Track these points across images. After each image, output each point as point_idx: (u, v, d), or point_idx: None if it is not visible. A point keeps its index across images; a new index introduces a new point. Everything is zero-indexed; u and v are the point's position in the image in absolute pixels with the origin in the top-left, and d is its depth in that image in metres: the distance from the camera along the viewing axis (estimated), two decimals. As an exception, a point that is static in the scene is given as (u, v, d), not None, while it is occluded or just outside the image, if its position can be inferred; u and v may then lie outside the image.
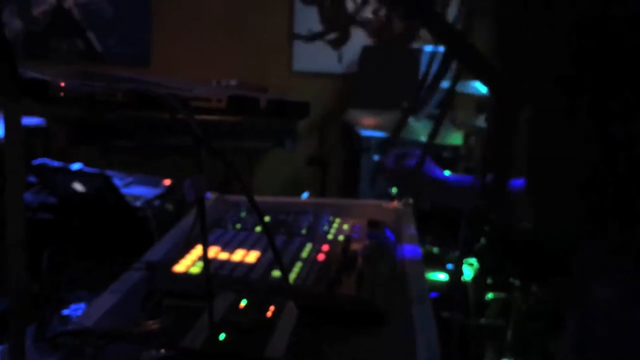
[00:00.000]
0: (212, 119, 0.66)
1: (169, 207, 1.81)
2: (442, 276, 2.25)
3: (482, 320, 2.16)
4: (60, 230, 1.65)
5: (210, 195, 1.49)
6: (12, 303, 0.72)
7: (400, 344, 0.91)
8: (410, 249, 1.31)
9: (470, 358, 2.12)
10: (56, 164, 1.82)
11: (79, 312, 1.57)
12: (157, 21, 3.57)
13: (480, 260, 2.43)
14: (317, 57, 3.73)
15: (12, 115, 0.68)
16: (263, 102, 0.68)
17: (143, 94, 0.63)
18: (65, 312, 1.59)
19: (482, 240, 2.47)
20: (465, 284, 2.18)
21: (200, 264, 1.03)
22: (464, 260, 2.27)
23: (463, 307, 2.13)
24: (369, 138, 3.04)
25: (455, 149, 2.62)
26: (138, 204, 1.74)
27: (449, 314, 2.07)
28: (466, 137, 2.45)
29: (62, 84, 0.59)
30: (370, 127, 2.79)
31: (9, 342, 0.73)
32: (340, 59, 3.72)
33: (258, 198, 1.47)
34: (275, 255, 0.69)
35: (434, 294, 2.10)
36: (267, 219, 1.29)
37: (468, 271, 2.31)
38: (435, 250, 2.40)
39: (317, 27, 3.71)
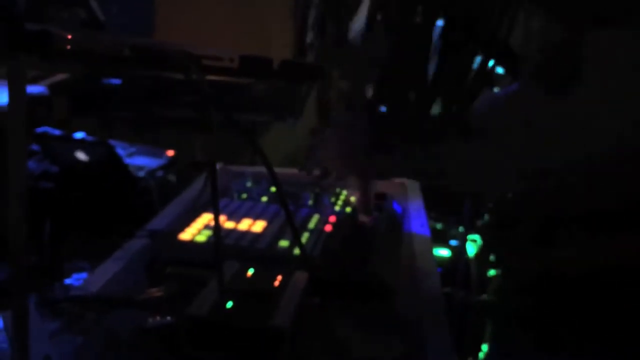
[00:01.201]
0: (220, 81, 0.64)
1: (172, 178, 1.79)
2: (444, 252, 2.24)
3: (484, 297, 2.16)
4: (62, 200, 1.63)
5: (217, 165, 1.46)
6: (13, 267, 0.70)
7: (407, 317, 0.91)
8: (418, 223, 1.30)
9: (470, 334, 2.12)
10: (58, 132, 1.79)
11: (81, 282, 1.55)
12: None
13: (483, 237, 2.42)
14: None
15: (15, 71, 0.66)
16: (276, 63, 0.65)
17: (151, 50, 0.60)
18: (67, 281, 1.57)
19: (486, 217, 2.46)
20: (467, 260, 2.17)
21: (206, 232, 1.01)
22: (467, 237, 2.26)
23: (465, 283, 2.13)
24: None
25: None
26: (141, 174, 1.72)
27: (450, 290, 2.07)
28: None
29: (69, 36, 0.56)
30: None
31: (11, 308, 0.72)
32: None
33: (263, 169, 1.46)
34: (292, 227, 0.67)
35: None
36: (273, 189, 1.27)
37: (471, 248, 2.30)
38: (439, 226, 2.38)
39: None
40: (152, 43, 0.62)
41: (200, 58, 0.61)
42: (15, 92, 0.67)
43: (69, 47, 0.59)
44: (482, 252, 2.37)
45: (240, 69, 0.64)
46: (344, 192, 1.30)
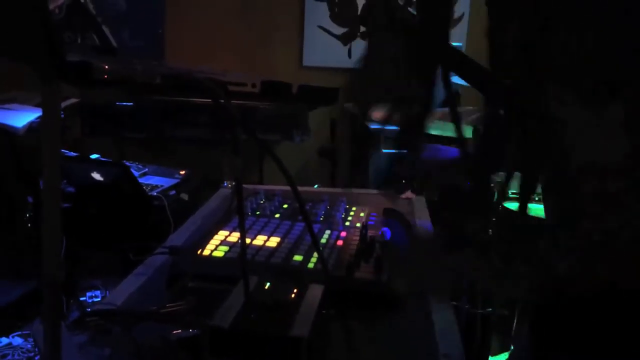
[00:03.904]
0: (244, 104, 0.69)
1: (184, 196, 1.84)
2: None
3: (489, 310, 2.18)
4: (79, 219, 1.68)
5: (227, 184, 1.51)
6: (46, 281, 0.74)
7: (419, 328, 0.94)
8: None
9: (476, 346, 2.14)
10: (73, 154, 1.84)
11: (95, 299, 1.59)
12: (170, 15, 3.60)
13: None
14: (327, 52, 3.77)
15: (52, 100, 0.70)
16: (295, 87, 0.70)
17: (181, 77, 0.65)
18: (81, 299, 1.61)
19: (489, 231, 2.49)
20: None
21: (224, 248, 1.05)
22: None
23: (470, 296, 2.15)
24: (377, 131, 3.08)
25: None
26: (154, 193, 1.76)
27: (456, 303, 2.10)
28: (475, 131, 2.46)
29: (106, 67, 0.61)
30: (378, 120, 2.82)
31: (43, 322, 0.75)
32: (349, 54, 3.75)
33: (276, 187, 1.50)
34: (312, 236, 0.71)
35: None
36: (285, 206, 1.32)
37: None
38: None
39: (327, 22, 3.74)
40: (181, 71, 0.66)
41: (226, 84, 0.66)
42: (51, 118, 0.71)
43: (105, 76, 0.63)
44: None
45: (261, 94, 0.69)
46: (354, 209, 1.34)
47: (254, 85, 0.66)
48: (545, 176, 0.81)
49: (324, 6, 3.77)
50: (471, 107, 2.06)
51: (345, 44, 3.77)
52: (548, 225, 0.84)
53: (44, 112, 0.71)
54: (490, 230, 2.19)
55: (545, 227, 0.87)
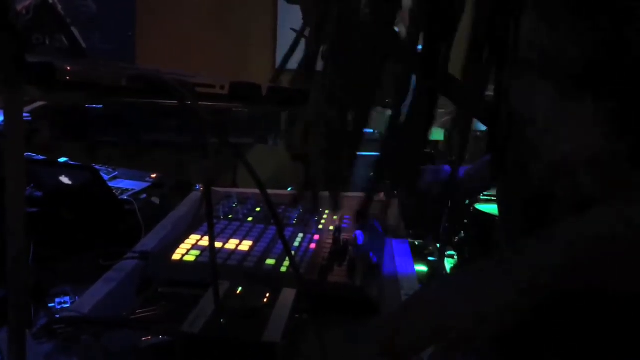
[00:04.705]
0: (213, 107, 0.68)
1: (155, 200, 1.81)
2: (422, 268, 2.29)
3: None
4: (46, 224, 1.64)
5: (199, 187, 1.50)
6: (13, 290, 0.72)
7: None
8: (397, 240, 1.34)
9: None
10: (41, 157, 1.81)
11: (64, 305, 1.57)
12: (141, 17, 3.57)
13: (459, 253, 2.48)
14: (301, 54, 3.77)
15: (14, 103, 0.69)
16: (264, 89, 0.69)
17: (147, 79, 0.64)
18: (50, 305, 1.58)
19: (462, 233, 2.51)
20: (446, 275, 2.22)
21: (195, 252, 1.04)
22: (444, 253, 2.31)
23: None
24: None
25: (435, 144, 2.69)
26: (124, 197, 1.74)
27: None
28: (447, 134, 2.49)
29: (69, 68, 0.59)
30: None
31: (8, 331, 0.73)
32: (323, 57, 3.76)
33: (248, 190, 1.49)
34: (285, 245, 0.70)
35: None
36: (258, 210, 1.30)
37: (448, 263, 2.35)
38: (417, 242, 2.43)
39: (300, 25, 3.74)
40: (148, 72, 0.65)
41: (194, 86, 0.65)
42: (14, 123, 0.69)
43: (68, 78, 0.62)
44: (459, 267, 2.42)
45: (230, 95, 0.68)
46: (327, 212, 1.33)
47: (222, 87, 0.66)
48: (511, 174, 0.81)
49: (297, 9, 3.78)
50: (442, 110, 2.06)
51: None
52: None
53: (5, 115, 0.69)
54: (462, 232, 2.20)
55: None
